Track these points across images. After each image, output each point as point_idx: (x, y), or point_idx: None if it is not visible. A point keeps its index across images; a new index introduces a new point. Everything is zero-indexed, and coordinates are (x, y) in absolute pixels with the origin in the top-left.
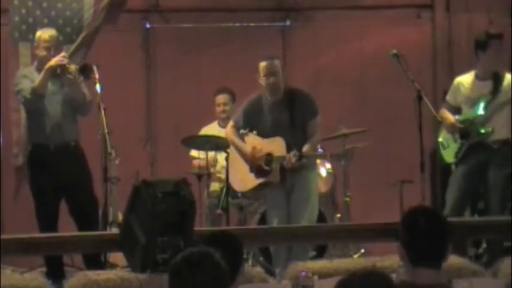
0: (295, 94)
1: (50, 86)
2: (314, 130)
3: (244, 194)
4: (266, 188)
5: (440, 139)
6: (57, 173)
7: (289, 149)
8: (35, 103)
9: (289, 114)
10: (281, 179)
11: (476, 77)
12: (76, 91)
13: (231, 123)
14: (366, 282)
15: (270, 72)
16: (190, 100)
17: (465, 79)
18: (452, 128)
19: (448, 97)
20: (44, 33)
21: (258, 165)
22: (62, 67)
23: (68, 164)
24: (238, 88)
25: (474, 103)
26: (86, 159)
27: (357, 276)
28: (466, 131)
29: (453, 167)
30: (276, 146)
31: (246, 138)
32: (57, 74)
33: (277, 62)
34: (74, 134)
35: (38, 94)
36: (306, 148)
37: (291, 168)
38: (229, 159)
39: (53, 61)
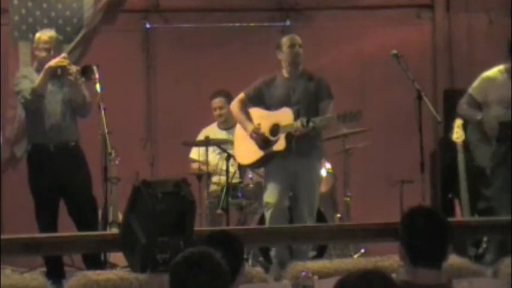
0: (313, 76)
1: (50, 86)
2: (325, 111)
3: (247, 192)
4: (272, 158)
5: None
6: (57, 173)
7: (296, 119)
8: (35, 103)
9: (303, 92)
10: (286, 146)
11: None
12: (76, 92)
13: (240, 96)
14: (365, 281)
15: (294, 44)
16: (190, 100)
17: (496, 76)
18: (494, 131)
19: (474, 92)
20: (44, 35)
21: (264, 137)
22: (63, 68)
23: (67, 164)
24: (238, 88)
25: (509, 104)
26: (86, 159)
27: (355, 276)
28: (506, 134)
29: (488, 170)
30: (283, 115)
31: (251, 111)
32: (58, 75)
33: (298, 37)
34: (74, 134)
35: (37, 94)
36: (317, 120)
37: (300, 136)
38: (235, 134)
39: (53, 62)
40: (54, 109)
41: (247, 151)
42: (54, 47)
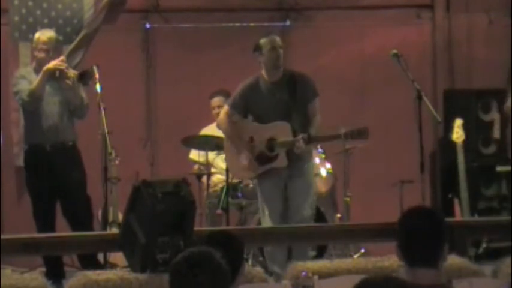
0: (295, 75)
1: (48, 87)
2: (314, 111)
3: (247, 192)
4: (271, 174)
5: None
6: (54, 173)
7: (293, 132)
8: (32, 105)
9: (289, 95)
10: (289, 163)
11: None
12: (74, 94)
13: (225, 108)
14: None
15: (274, 46)
16: (190, 100)
17: None
18: None
19: None
20: (43, 35)
21: (261, 152)
22: (60, 71)
23: (64, 165)
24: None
25: None
26: (82, 159)
27: (373, 281)
28: None
29: None
30: (280, 130)
31: (245, 125)
32: (56, 76)
33: (278, 38)
34: (71, 135)
35: (35, 96)
36: (312, 131)
37: (300, 153)
38: (226, 149)
39: (51, 64)
40: (51, 110)
41: (242, 166)
42: (53, 48)
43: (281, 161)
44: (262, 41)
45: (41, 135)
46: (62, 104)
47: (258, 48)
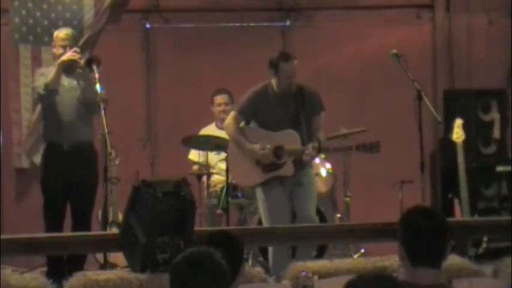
0: (303, 89)
1: (66, 84)
2: (319, 125)
3: (247, 192)
4: (275, 182)
5: None
6: (70, 173)
7: (301, 142)
8: (48, 98)
9: (296, 108)
10: (295, 172)
11: None
12: (88, 86)
13: (233, 114)
14: (374, 284)
15: (292, 74)
16: (190, 100)
17: None
18: None
19: None
20: (60, 33)
21: (269, 159)
22: (75, 62)
23: (80, 165)
24: (238, 88)
25: None
26: (98, 160)
27: (364, 278)
28: None
29: None
30: (289, 138)
31: (252, 131)
32: (72, 69)
33: (296, 62)
34: (88, 135)
35: (50, 89)
36: (322, 141)
37: (308, 161)
38: (229, 155)
39: (66, 56)
40: (69, 109)
41: (246, 172)
42: (71, 44)
43: (288, 169)
44: (282, 64)
45: (59, 134)
46: (80, 103)
47: (274, 67)
